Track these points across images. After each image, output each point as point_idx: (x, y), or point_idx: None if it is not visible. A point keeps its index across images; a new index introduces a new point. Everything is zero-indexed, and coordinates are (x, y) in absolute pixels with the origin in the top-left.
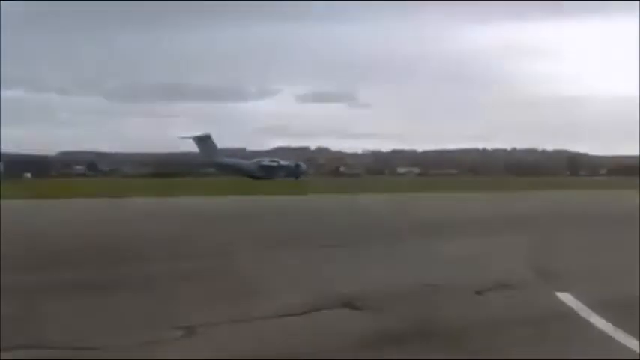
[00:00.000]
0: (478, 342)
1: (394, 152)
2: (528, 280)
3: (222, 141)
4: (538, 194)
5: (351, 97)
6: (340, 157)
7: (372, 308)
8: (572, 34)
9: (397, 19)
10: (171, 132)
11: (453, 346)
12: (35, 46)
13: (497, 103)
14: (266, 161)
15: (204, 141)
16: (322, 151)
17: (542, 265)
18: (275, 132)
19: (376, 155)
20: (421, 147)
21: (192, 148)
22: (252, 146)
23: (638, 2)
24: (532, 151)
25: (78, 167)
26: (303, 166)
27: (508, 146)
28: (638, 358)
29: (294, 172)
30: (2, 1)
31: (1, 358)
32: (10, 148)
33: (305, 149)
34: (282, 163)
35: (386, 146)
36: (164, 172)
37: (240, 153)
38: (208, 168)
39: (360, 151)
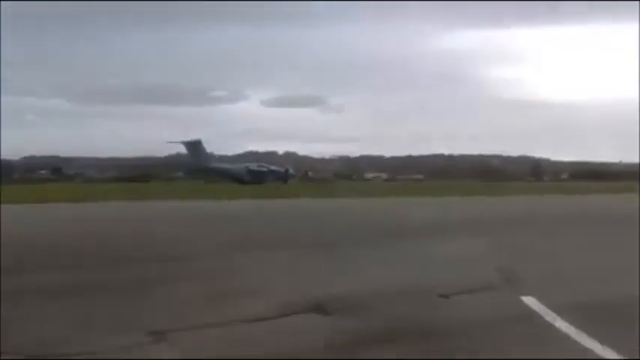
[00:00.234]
0: (443, 344)
1: (362, 157)
2: (493, 284)
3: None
4: (500, 198)
5: (321, 102)
6: (308, 162)
7: (340, 312)
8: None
9: (372, 24)
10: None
11: (419, 348)
12: None
13: (465, 109)
14: (255, 166)
15: (194, 146)
16: (290, 156)
17: (507, 269)
18: (243, 136)
19: (344, 160)
20: (389, 152)
21: (159, 152)
22: (220, 150)
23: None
24: (496, 157)
25: (42, 172)
26: (291, 171)
27: (473, 152)
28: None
29: (283, 177)
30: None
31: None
32: None
33: (273, 154)
34: (272, 167)
35: (354, 151)
36: (130, 176)
37: (212, 158)
38: (198, 172)
39: (328, 156)
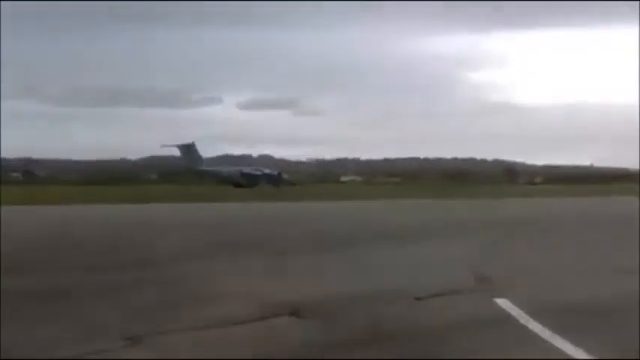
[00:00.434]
0: (418, 346)
1: (338, 160)
2: (467, 286)
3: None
4: (474, 202)
5: (296, 105)
6: (283, 165)
7: (317, 317)
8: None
9: (348, 28)
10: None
11: (394, 350)
12: None
13: (442, 113)
14: (248, 169)
15: (188, 149)
16: (265, 159)
17: (480, 272)
18: (217, 139)
19: (320, 163)
20: (365, 155)
21: (132, 154)
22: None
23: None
24: (471, 160)
25: (14, 174)
26: (284, 175)
27: (449, 155)
28: None
29: (275, 181)
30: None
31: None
32: None
33: (248, 157)
34: (266, 171)
35: (330, 154)
36: (102, 179)
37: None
38: (192, 175)
39: (304, 159)
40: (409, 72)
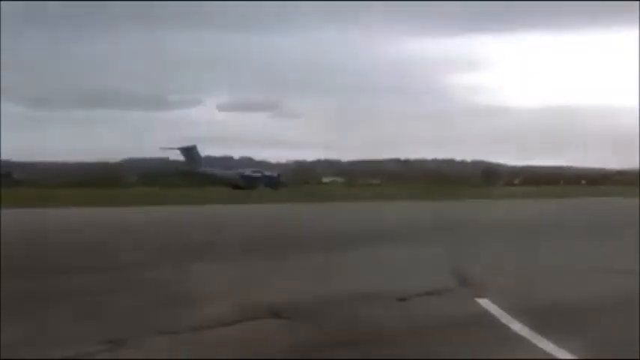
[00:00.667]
0: (401, 347)
1: (319, 162)
2: (449, 287)
3: (143, 150)
4: (453, 203)
5: (277, 107)
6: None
7: (299, 318)
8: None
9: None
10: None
11: (377, 351)
12: None
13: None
14: (248, 171)
15: (189, 151)
16: (246, 161)
17: (462, 272)
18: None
19: (301, 165)
20: (346, 157)
21: (113, 157)
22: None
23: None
24: (450, 162)
25: None
26: (283, 177)
27: (428, 156)
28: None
29: (274, 183)
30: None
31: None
32: None
33: (229, 158)
34: (266, 173)
35: (311, 156)
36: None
37: (166, 162)
38: (193, 177)
39: (284, 161)
40: (392, 74)
